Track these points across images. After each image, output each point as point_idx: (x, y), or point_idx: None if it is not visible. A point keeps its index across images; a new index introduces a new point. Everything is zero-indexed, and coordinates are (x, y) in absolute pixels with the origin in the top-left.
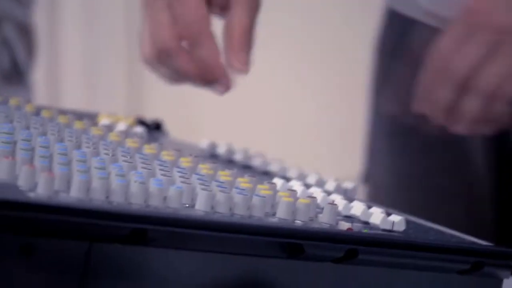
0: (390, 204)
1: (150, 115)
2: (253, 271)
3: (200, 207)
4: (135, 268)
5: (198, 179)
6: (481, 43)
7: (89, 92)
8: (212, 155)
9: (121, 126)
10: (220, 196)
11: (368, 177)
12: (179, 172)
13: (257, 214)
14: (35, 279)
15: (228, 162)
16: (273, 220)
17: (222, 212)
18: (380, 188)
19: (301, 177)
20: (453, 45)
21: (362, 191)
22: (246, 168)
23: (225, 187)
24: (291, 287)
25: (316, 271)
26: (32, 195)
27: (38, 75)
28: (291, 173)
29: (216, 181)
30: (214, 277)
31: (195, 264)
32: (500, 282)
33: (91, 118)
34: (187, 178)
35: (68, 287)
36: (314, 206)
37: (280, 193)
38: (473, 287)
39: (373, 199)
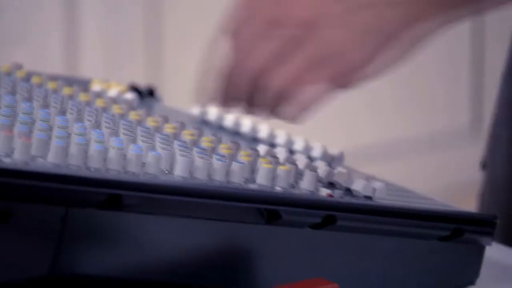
0: (506, 195)
1: (168, 87)
2: (231, 237)
3: (179, 173)
4: (112, 234)
5: (179, 145)
6: (278, 39)
7: (107, 64)
8: (203, 122)
9: (112, 93)
10: (198, 162)
11: (487, 164)
12: (161, 138)
13: (236, 180)
14: (11, 244)
15: (218, 128)
16: (251, 186)
17: (200, 178)
18: (497, 177)
19: (288, 144)
20: (252, 39)
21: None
22: (235, 134)
23: (205, 154)
24: (270, 253)
25: (294, 237)
26: (7, 161)
27: (56, 47)
28: (279, 139)
29: (197, 147)
30: (191, 243)
31: (172, 230)
32: (482, 249)
33: (84, 84)
34: (168, 145)
35: (45, 252)
36: (295, 173)
37: (261, 159)
38: (455, 254)
39: (488, 187)
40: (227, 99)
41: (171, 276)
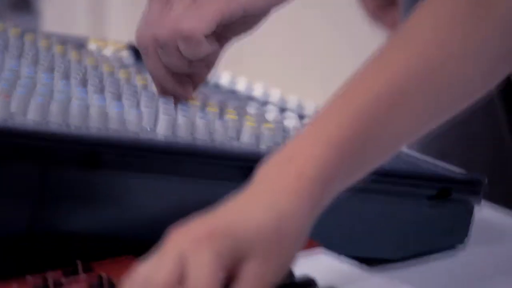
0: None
1: None
2: (213, 195)
3: (161, 131)
4: (91, 191)
5: (163, 103)
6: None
7: (97, 21)
8: None
9: (107, 51)
10: (181, 121)
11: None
12: (146, 97)
13: (220, 138)
14: None
15: (214, 87)
16: (235, 145)
17: (183, 136)
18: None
19: (281, 102)
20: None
21: None
22: (230, 93)
23: (189, 112)
24: None
25: None
26: None
27: (82, 9)
28: (272, 98)
29: (182, 105)
30: (173, 201)
31: (153, 188)
32: (471, 209)
33: (81, 43)
34: (152, 103)
35: (24, 210)
36: (281, 131)
37: (246, 118)
38: (444, 213)
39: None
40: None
41: (151, 233)
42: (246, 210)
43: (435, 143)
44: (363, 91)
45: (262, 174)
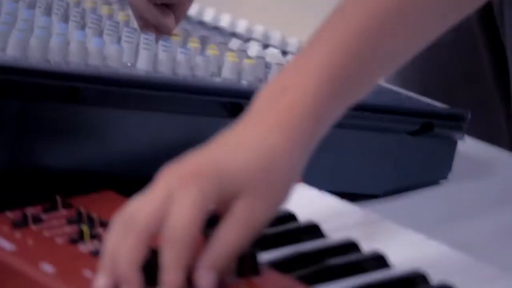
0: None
1: None
2: (194, 131)
3: (142, 67)
4: (71, 127)
5: (145, 39)
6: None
7: None
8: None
9: None
10: (162, 56)
11: None
12: (127, 32)
13: (201, 74)
14: None
15: (198, 23)
16: (216, 80)
17: (164, 71)
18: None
19: (265, 38)
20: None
21: None
22: (214, 29)
23: (170, 47)
24: None
25: None
26: None
27: None
28: (256, 34)
29: (164, 41)
30: (152, 136)
31: (133, 123)
32: (454, 144)
33: None
34: (133, 38)
35: (4, 145)
36: (262, 67)
37: (227, 53)
38: (426, 148)
39: None
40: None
41: (131, 169)
42: (236, 148)
43: (419, 83)
44: (354, 16)
45: (255, 108)
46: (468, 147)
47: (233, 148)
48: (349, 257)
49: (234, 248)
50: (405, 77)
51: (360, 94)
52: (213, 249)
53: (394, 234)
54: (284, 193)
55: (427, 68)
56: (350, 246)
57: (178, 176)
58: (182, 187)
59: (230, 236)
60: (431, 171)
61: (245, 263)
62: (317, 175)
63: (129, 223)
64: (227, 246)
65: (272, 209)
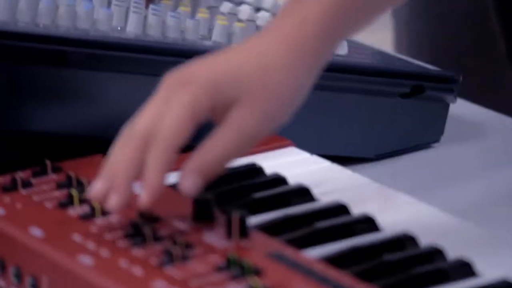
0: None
1: None
2: None
3: (131, 30)
4: (60, 90)
5: (135, 2)
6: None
7: None
8: None
9: None
10: (152, 19)
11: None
12: None
13: (191, 37)
14: None
15: None
16: (206, 43)
17: (153, 35)
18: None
19: (257, 2)
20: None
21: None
22: None
23: (160, 11)
24: None
25: None
26: None
27: None
28: None
29: (154, 5)
30: (141, 100)
31: (122, 87)
32: (446, 106)
33: None
34: (123, 2)
35: None
36: (253, 30)
37: (218, 17)
38: (418, 111)
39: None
40: None
41: (120, 132)
42: (236, 56)
43: (428, 52)
44: None
45: (272, 20)
46: (461, 109)
47: (233, 56)
48: (338, 220)
49: (222, 155)
50: (414, 45)
51: (372, 18)
52: (202, 152)
53: (385, 197)
54: (280, 111)
55: (437, 37)
56: (340, 209)
57: (176, 82)
58: (177, 92)
59: (221, 141)
60: (423, 134)
61: (233, 226)
62: (308, 139)
63: (130, 132)
64: (217, 150)
65: (266, 124)
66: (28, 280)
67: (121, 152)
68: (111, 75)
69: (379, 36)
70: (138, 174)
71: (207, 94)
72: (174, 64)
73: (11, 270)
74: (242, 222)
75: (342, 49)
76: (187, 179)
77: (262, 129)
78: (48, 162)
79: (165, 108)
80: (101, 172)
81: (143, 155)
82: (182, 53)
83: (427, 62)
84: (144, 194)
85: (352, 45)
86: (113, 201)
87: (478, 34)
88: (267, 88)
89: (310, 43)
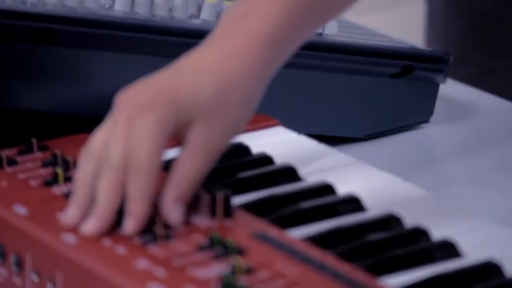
0: None
1: None
2: None
3: (119, 8)
4: (47, 68)
5: None
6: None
7: None
8: None
9: None
10: None
11: None
12: None
13: (179, 15)
14: None
15: None
16: (194, 22)
17: (141, 13)
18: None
19: None
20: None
21: None
22: None
23: None
24: None
25: None
26: None
27: None
28: None
29: None
30: (128, 78)
31: (110, 65)
32: (436, 87)
33: None
34: None
35: None
36: None
37: None
38: (408, 91)
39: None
40: None
41: (107, 111)
42: (193, 74)
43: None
44: None
45: (216, 33)
46: (450, 90)
47: (190, 74)
48: (323, 200)
49: (194, 177)
50: (442, 36)
51: (322, 21)
52: (174, 181)
53: (371, 177)
54: (240, 120)
55: (467, 32)
56: (326, 189)
57: (135, 105)
58: (140, 116)
59: (187, 166)
60: (413, 114)
61: (217, 206)
62: (297, 118)
63: (104, 161)
64: (187, 176)
65: (228, 136)
66: (11, 258)
67: (103, 182)
68: (98, 53)
69: (375, 17)
70: (119, 202)
71: (171, 115)
72: (162, 42)
73: None
74: (226, 201)
75: (332, 29)
76: (171, 211)
77: (225, 141)
78: (34, 140)
79: (131, 133)
80: (74, 196)
81: (122, 184)
82: (170, 32)
83: (454, 56)
84: (130, 223)
85: (342, 25)
86: (92, 228)
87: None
88: (224, 105)
89: (261, 53)
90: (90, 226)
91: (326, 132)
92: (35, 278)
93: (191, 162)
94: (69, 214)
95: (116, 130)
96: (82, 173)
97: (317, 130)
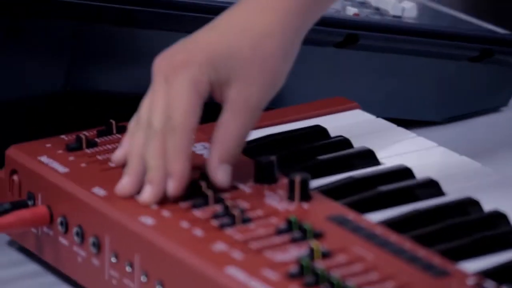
0: None
1: None
2: None
3: None
4: (124, 50)
5: None
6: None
7: None
8: None
9: None
10: None
11: None
12: None
13: None
14: (25, 61)
15: None
16: None
17: None
18: None
19: None
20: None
21: None
22: None
23: None
24: (293, 72)
25: (318, 56)
26: None
27: None
28: None
29: None
30: None
31: None
32: None
33: None
34: None
35: (59, 68)
36: None
37: None
38: (486, 75)
39: None
40: None
41: None
42: (227, 32)
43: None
44: None
45: None
46: None
47: (224, 32)
48: (401, 184)
49: (237, 136)
50: None
51: None
52: (217, 142)
53: (449, 161)
54: (278, 74)
55: None
56: (404, 173)
57: (171, 65)
58: (175, 76)
59: (230, 126)
60: (491, 97)
61: (295, 189)
62: (374, 101)
63: (148, 128)
64: (230, 136)
65: (268, 91)
66: (90, 240)
67: (150, 148)
68: (177, 35)
69: None
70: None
71: (206, 74)
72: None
73: (74, 230)
74: (304, 184)
75: (412, 12)
76: (217, 172)
77: (265, 100)
78: (113, 122)
79: (168, 94)
80: (128, 165)
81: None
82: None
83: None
84: (172, 184)
85: (422, 8)
86: (147, 195)
87: None
88: (261, 59)
89: (295, 7)
90: (145, 193)
91: (404, 115)
92: (113, 259)
93: (233, 121)
94: (123, 183)
95: (155, 94)
96: (132, 142)
97: (395, 113)
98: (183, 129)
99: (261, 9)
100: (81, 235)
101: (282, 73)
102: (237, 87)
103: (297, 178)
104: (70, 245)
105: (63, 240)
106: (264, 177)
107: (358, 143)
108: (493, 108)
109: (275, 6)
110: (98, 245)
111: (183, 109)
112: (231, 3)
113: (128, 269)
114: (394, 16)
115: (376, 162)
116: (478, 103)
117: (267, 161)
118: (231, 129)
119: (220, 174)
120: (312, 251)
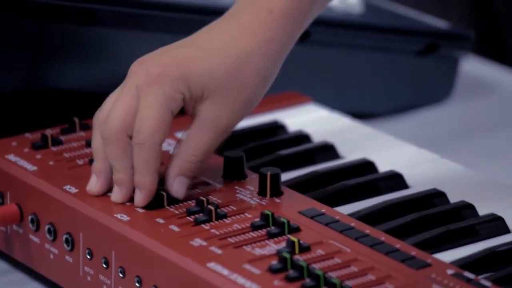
0: None
1: None
2: None
3: None
4: (87, 49)
5: None
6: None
7: None
8: None
9: None
10: None
11: None
12: None
13: None
14: None
15: None
16: (224, 1)
17: None
18: None
19: None
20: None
21: None
22: None
23: None
24: None
25: None
26: None
27: None
28: None
29: None
30: None
31: (149, 45)
32: (456, 62)
33: None
34: None
35: (22, 64)
36: None
37: None
38: (431, 68)
39: None
40: None
41: None
42: (205, 50)
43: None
44: None
45: (234, 7)
46: (473, 66)
47: (203, 50)
48: (367, 178)
49: (199, 152)
50: None
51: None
52: (179, 155)
53: (408, 154)
54: (254, 97)
55: None
56: (367, 166)
57: (146, 77)
58: (149, 89)
59: (193, 141)
60: (435, 89)
61: (267, 184)
62: (325, 95)
63: (105, 127)
64: (192, 151)
65: (241, 113)
66: (63, 237)
67: (106, 150)
68: (139, 34)
69: None
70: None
71: (179, 90)
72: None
73: (45, 227)
74: (275, 180)
75: (358, 8)
76: (173, 184)
77: (235, 121)
78: (76, 120)
79: (137, 103)
80: (92, 166)
81: (130, 150)
82: (211, 12)
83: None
84: (140, 196)
85: (368, 4)
86: (118, 196)
87: None
88: (237, 84)
89: (276, 32)
90: (114, 194)
91: (353, 108)
92: (88, 256)
93: (197, 137)
94: (93, 183)
95: (122, 95)
96: (94, 140)
97: (344, 106)
98: (151, 144)
99: (242, 29)
100: (53, 233)
101: (257, 97)
102: (209, 106)
103: (268, 173)
104: (41, 243)
105: (34, 238)
106: (234, 172)
107: (316, 138)
108: (436, 99)
109: (256, 31)
110: (71, 242)
111: (153, 124)
112: (191, 2)
113: (104, 265)
114: (342, 13)
115: (337, 156)
116: (422, 95)
117: (237, 156)
118: (193, 144)
119: (176, 186)
120: (292, 245)
